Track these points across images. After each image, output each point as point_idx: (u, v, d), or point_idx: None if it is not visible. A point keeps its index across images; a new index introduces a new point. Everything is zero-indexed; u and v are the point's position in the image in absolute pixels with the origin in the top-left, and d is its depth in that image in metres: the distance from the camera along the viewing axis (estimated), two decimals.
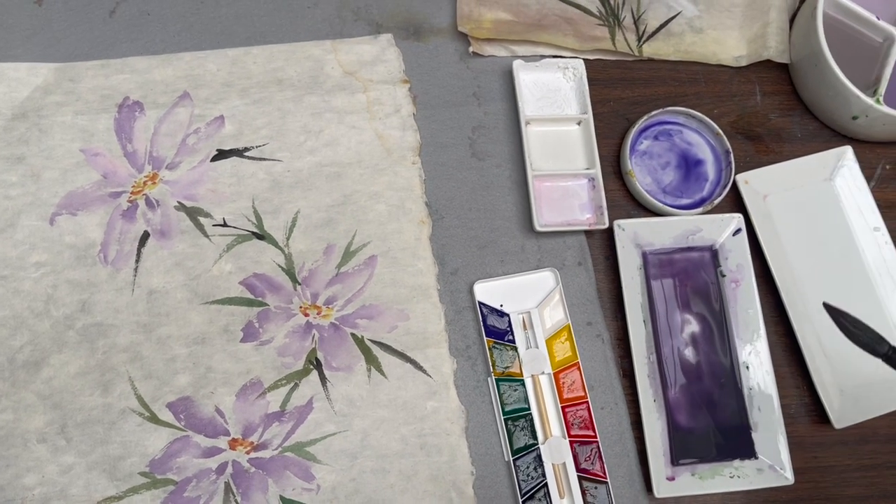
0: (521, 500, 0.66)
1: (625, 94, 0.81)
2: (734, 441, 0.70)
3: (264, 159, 0.74)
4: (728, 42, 0.83)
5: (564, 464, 0.68)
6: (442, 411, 0.68)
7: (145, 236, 0.71)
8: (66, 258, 0.70)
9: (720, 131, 0.77)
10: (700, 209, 0.75)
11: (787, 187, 0.78)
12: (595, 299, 0.74)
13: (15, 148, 0.73)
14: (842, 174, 0.78)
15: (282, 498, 0.65)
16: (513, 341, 0.71)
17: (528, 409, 0.69)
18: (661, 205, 0.75)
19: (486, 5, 0.81)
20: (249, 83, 0.77)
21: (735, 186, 0.77)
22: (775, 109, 0.82)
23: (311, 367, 0.69)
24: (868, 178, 0.79)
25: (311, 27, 0.80)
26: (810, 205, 0.78)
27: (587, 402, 0.69)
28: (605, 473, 0.67)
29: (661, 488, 0.67)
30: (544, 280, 0.73)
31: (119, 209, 0.72)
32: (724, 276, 0.74)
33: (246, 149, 0.75)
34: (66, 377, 0.67)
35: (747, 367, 0.72)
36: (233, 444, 0.66)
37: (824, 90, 0.78)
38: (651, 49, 0.82)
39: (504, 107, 0.79)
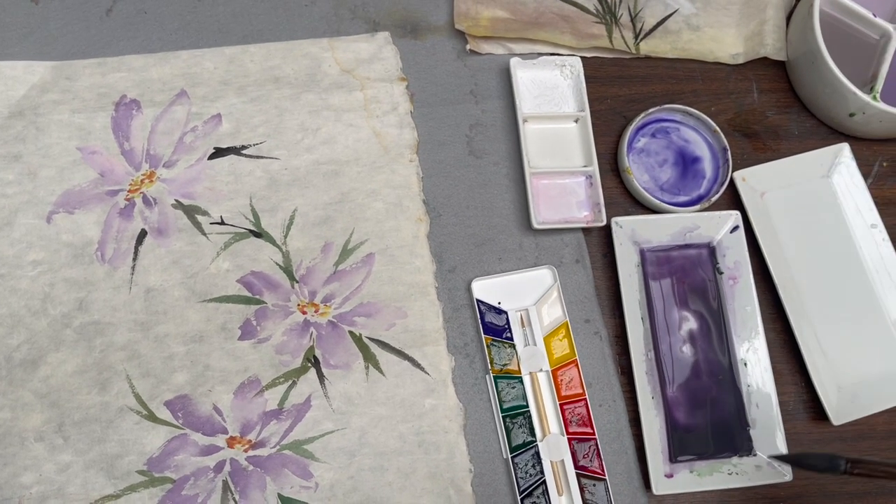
0: (519, 498, 0.66)
1: (622, 92, 0.81)
2: (732, 438, 0.70)
3: (262, 157, 0.74)
4: (725, 39, 0.83)
5: (563, 461, 0.68)
6: (440, 409, 0.68)
7: (143, 234, 0.71)
8: (64, 256, 0.70)
9: (717, 129, 0.77)
10: (697, 206, 0.76)
11: (785, 184, 0.78)
12: (593, 297, 0.74)
13: (11, 146, 0.72)
14: (839, 171, 0.78)
15: (280, 496, 0.65)
16: (511, 339, 0.71)
17: (527, 406, 0.69)
18: (658, 202, 0.75)
19: (484, 3, 0.81)
20: (247, 81, 0.76)
21: (732, 184, 0.77)
22: (772, 107, 0.82)
23: (309, 364, 0.69)
24: (865, 176, 0.79)
25: (308, 25, 0.80)
26: (807, 202, 0.78)
27: (585, 399, 0.69)
28: (603, 470, 0.67)
29: (659, 485, 0.67)
30: (542, 277, 0.73)
31: (116, 207, 0.72)
32: (721, 273, 0.74)
33: (243, 147, 0.74)
34: (63, 375, 0.67)
35: (745, 364, 0.72)
36: (231, 442, 0.66)
37: (821, 87, 0.78)
38: (648, 47, 0.82)
39: (501, 104, 0.79)
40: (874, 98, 0.76)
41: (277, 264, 0.71)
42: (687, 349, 0.72)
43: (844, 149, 0.78)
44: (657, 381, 0.71)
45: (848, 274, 0.76)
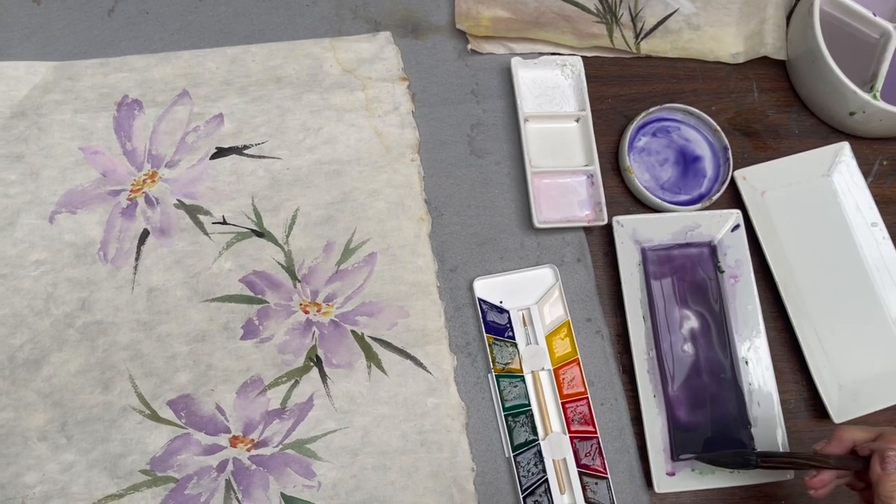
0: (521, 496, 0.66)
1: (623, 91, 0.81)
2: (734, 436, 0.70)
3: (263, 157, 0.74)
4: (725, 39, 0.83)
5: (565, 459, 0.68)
6: (442, 408, 0.68)
7: (145, 234, 0.71)
8: (66, 256, 0.70)
9: (718, 128, 0.77)
10: (698, 205, 0.76)
11: (785, 183, 0.78)
12: (594, 296, 0.74)
13: (14, 146, 0.73)
14: (839, 170, 0.79)
15: (283, 495, 0.65)
16: (513, 338, 0.71)
17: (529, 405, 0.69)
18: (659, 201, 0.75)
19: (485, 3, 0.81)
20: (248, 81, 0.77)
21: (733, 182, 0.77)
22: (773, 106, 0.83)
23: (312, 364, 0.69)
24: (865, 174, 0.79)
25: (310, 25, 0.80)
26: (808, 201, 0.78)
27: (587, 397, 0.69)
28: (605, 469, 0.67)
29: (661, 484, 0.67)
30: (544, 277, 0.73)
31: (118, 207, 0.72)
32: (722, 271, 0.75)
33: (245, 147, 0.75)
34: (66, 375, 0.67)
35: (746, 363, 0.72)
36: (233, 441, 0.66)
37: (821, 86, 0.78)
38: (649, 46, 0.82)
39: (503, 104, 0.79)
40: (874, 97, 0.76)
41: (279, 264, 0.71)
42: (688, 348, 0.72)
43: (845, 147, 0.79)
44: (659, 380, 0.71)
45: (848, 272, 0.76)
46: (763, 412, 0.70)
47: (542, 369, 0.70)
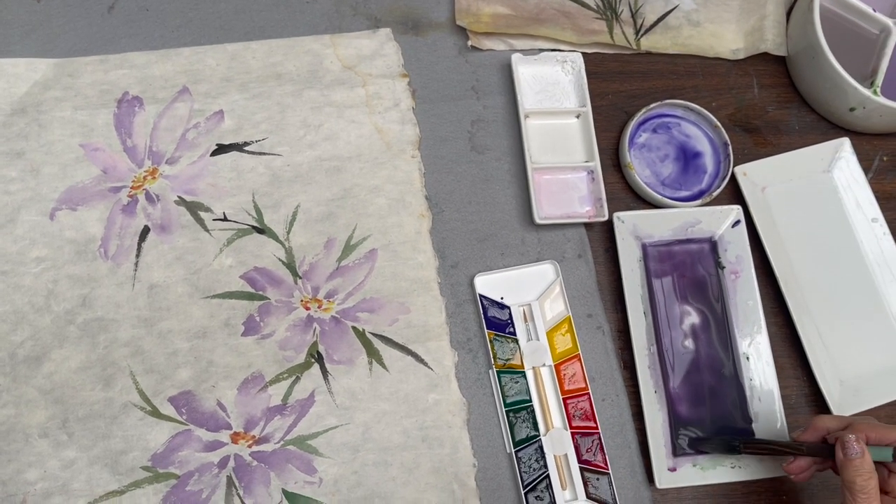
0: (523, 492, 0.66)
1: (623, 88, 0.81)
2: (735, 432, 0.70)
3: (264, 154, 0.74)
4: (725, 35, 0.83)
5: (566, 455, 0.68)
6: (443, 404, 0.68)
7: (145, 231, 0.71)
8: (67, 253, 0.70)
9: (718, 124, 0.77)
10: (699, 201, 0.76)
11: (786, 179, 0.78)
12: (595, 291, 0.74)
13: (14, 143, 0.73)
14: (839, 166, 0.79)
15: (284, 491, 0.65)
16: (514, 333, 0.71)
17: (530, 400, 0.69)
18: (660, 197, 0.75)
19: None
20: (249, 78, 0.77)
21: (733, 178, 0.77)
22: (773, 102, 0.83)
23: (313, 360, 0.69)
24: (866, 170, 0.79)
25: (310, 22, 0.80)
26: (808, 196, 0.78)
27: (588, 393, 0.69)
28: (606, 464, 0.67)
29: (662, 479, 0.67)
30: (544, 272, 0.73)
31: (119, 204, 0.72)
32: (723, 267, 0.75)
33: (245, 143, 0.75)
34: (67, 372, 0.67)
35: (747, 359, 0.72)
36: (235, 437, 0.66)
37: (822, 82, 0.78)
38: (649, 42, 0.82)
39: (503, 100, 0.79)
40: (874, 92, 0.76)
41: (280, 260, 0.71)
42: (689, 344, 0.72)
43: (845, 143, 0.79)
44: (660, 376, 0.71)
45: (849, 268, 0.76)
46: (764, 408, 0.70)
47: (543, 365, 0.70)
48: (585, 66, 0.79)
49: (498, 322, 0.71)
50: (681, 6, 0.83)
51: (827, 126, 0.82)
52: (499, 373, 0.69)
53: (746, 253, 0.74)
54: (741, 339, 0.72)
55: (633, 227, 0.74)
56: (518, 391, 0.69)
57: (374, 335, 0.70)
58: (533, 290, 0.73)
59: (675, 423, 0.69)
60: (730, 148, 0.77)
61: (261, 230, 0.72)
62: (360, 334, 0.70)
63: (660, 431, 0.69)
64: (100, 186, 0.72)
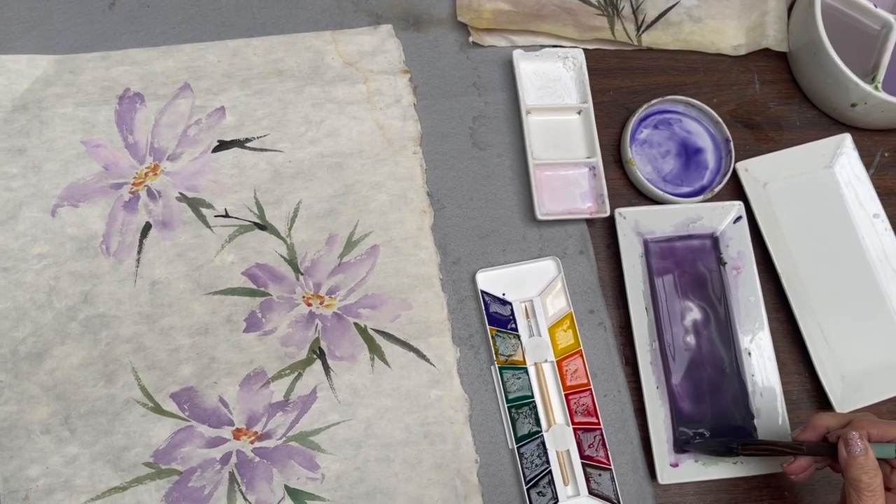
0: (525, 488, 0.66)
1: (624, 84, 0.81)
2: (736, 428, 0.70)
3: (265, 150, 0.74)
4: (726, 31, 0.83)
5: (568, 451, 0.68)
6: (445, 400, 0.68)
7: (147, 227, 0.71)
8: (68, 250, 0.70)
9: (720, 120, 0.77)
10: (700, 197, 0.76)
11: (787, 175, 0.78)
12: (597, 287, 0.74)
13: (16, 140, 0.72)
14: (841, 162, 0.79)
15: (286, 487, 0.65)
16: (515, 329, 0.71)
17: (532, 396, 0.69)
18: (661, 193, 0.75)
19: None
20: (250, 74, 0.77)
21: (735, 174, 0.77)
22: (774, 98, 0.83)
23: (315, 356, 0.69)
24: (867, 166, 0.79)
25: (311, 18, 0.80)
26: (810, 192, 0.78)
27: (590, 389, 0.69)
28: (608, 460, 0.67)
29: (664, 475, 0.67)
30: (546, 268, 0.73)
31: (121, 200, 0.72)
32: (724, 263, 0.75)
33: (247, 140, 0.75)
34: (69, 368, 0.67)
35: (749, 354, 0.72)
36: (237, 433, 0.66)
37: (823, 78, 0.79)
38: (650, 38, 0.82)
39: (504, 96, 0.79)
40: (876, 88, 0.76)
41: (282, 256, 0.71)
42: (691, 339, 0.73)
43: (846, 139, 0.79)
44: (662, 372, 0.71)
45: (851, 264, 0.76)
46: (766, 404, 0.70)
47: (545, 361, 0.70)
48: (587, 62, 0.79)
49: (500, 318, 0.71)
50: (682, 2, 0.83)
51: (828, 122, 0.82)
52: (501, 369, 0.69)
53: (748, 249, 0.74)
54: (743, 335, 0.73)
55: (634, 223, 0.74)
56: (520, 387, 0.69)
57: (376, 331, 0.70)
58: (535, 287, 0.73)
59: (677, 419, 0.69)
60: (731, 144, 0.77)
61: (262, 226, 0.72)
62: (362, 330, 0.70)
63: (661, 427, 0.69)
64: (101, 183, 0.72)
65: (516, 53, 0.78)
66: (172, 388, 0.67)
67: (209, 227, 0.72)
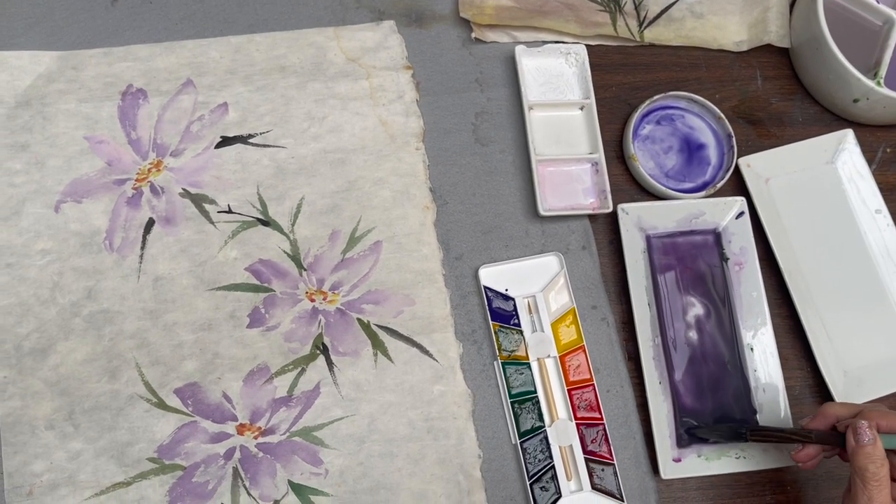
0: (528, 483, 0.66)
1: (627, 80, 0.81)
2: (739, 423, 0.70)
3: (268, 146, 0.74)
4: (729, 27, 0.83)
5: (571, 446, 0.68)
6: (449, 395, 0.69)
7: (150, 223, 0.71)
8: (72, 245, 0.70)
9: (722, 115, 0.78)
10: (703, 193, 0.76)
11: (789, 171, 0.78)
12: (599, 283, 0.74)
13: (19, 136, 0.72)
14: (843, 157, 0.79)
15: (290, 482, 0.65)
16: (518, 325, 0.71)
17: (535, 392, 0.69)
18: (664, 189, 0.75)
19: None
20: (252, 70, 0.77)
21: (737, 170, 0.77)
22: (776, 94, 0.83)
23: (318, 352, 0.69)
24: (869, 162, 0.79)
25: (314, 14, 0.80)
26: (812, 188, 0.78)
27: (593, 384, 0.69)
28: (611, 455, 0.68)
29: (667, 470, 0.67)
30: (549, 264, 0.73)
31: (124, 196, 0.72)
32: (727, 259, 0.75)
33: (250, 136, 0.75)
34: (73, 364, 0.67)
35: (751, 350, 0.72)
36: (240, 429, 0.67)
37: (825, 74, 0.79)
38: (652, 34, 0.82)
39: (507, 92, 0.79)
40: (878, 84, 0.76)
41: (285, 252, 0.71)
42: (693, 335, 0.73)
43: (848, 135, 0.79)
44: (664, 367, 0.71)
45: (853, 259, 0.76)
46: (768, 399, 0.71)
47: (548, 356, 0.70)
48: (589, 58, 0.79)
49: (502, 313, 0.71)
50: None
51: (830, 118, 0.82)
52: (504, 364, 0.69)
53: (750, 244, 0.74)
54: (745, 331, 0.73)
55: (637, 219, 0.74)
56: (523, 382, 0.69)
57: (379, 327, 0.70)
58: (537, 282, 0.73)
59: (680, 413, 0.70)
60: (733, 139, 0.77)
61: (265, 222, 0.72)
62: (366, 326, 0.70)
63: (664, 422, 0.69)
64: (104, 179, 0.72)
65: (518, 49, 0.78)
66: (176, 384, 0.67)
67: (212, 222, 0.72)
